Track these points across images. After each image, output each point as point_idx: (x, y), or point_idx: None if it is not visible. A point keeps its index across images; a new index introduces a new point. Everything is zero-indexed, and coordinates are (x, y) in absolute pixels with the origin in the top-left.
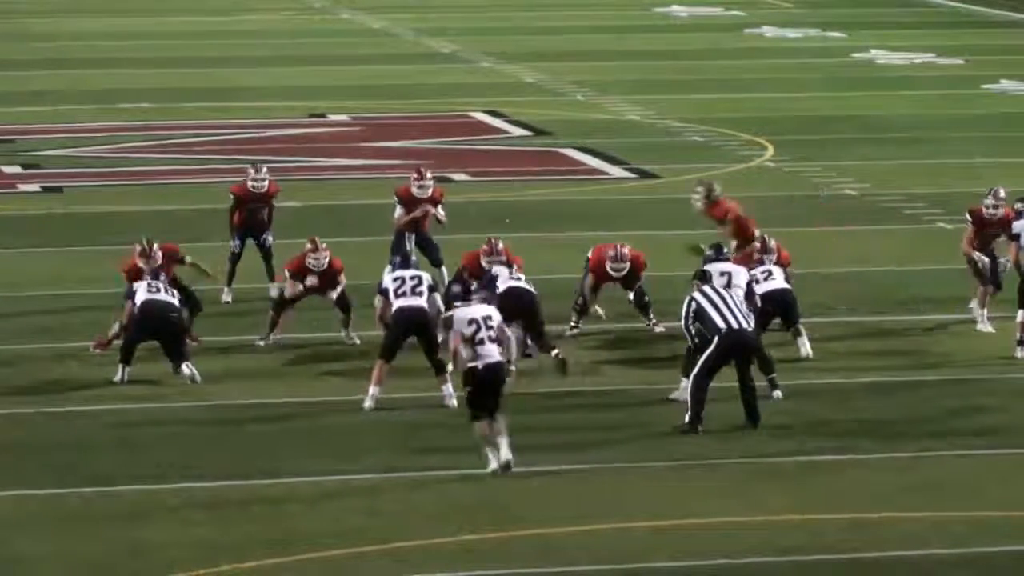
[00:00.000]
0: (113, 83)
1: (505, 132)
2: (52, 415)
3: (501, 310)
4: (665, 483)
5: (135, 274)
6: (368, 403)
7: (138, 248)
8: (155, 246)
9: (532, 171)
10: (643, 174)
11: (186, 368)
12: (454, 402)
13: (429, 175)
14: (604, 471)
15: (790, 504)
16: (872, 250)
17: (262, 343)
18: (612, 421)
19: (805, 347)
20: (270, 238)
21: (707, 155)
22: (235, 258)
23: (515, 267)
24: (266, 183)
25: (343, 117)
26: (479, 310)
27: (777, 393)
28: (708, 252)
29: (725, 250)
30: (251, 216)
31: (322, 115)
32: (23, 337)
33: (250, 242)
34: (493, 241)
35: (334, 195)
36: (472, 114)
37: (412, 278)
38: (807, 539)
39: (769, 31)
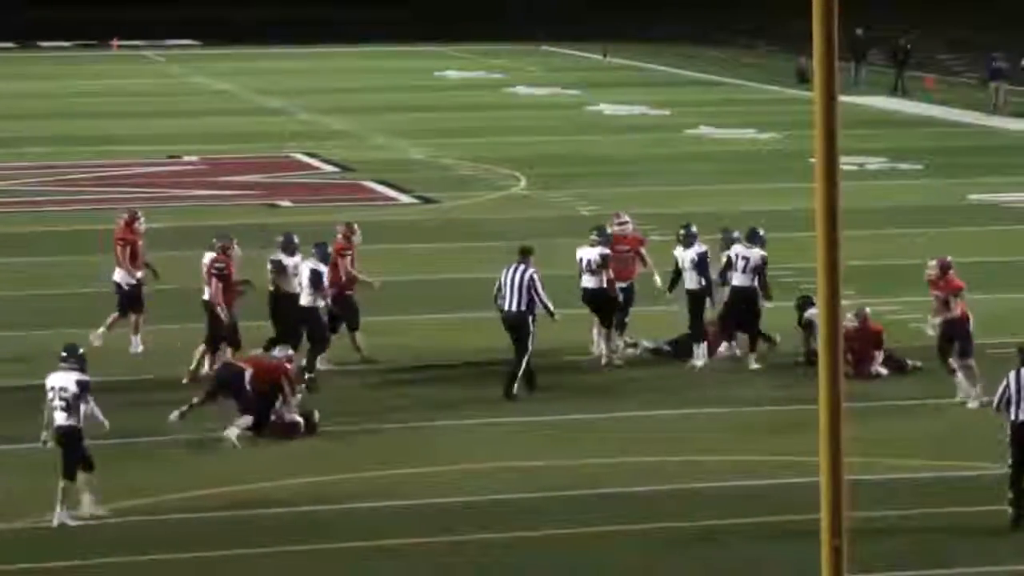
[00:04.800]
0: (22, 132)
1: (319, 168)
2: None
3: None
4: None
5: None
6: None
7: None
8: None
9: (343, 198)
10: (425, 200)
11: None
12: None
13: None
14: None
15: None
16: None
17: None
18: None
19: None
20: None
21: (474, 185)
22: None
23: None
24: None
25: (194, 158)
26: None
27: None
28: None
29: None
30: None
31: (178, 156)
32: None
33: None
34: (622, 214)
35: (184, 217)
36: (294, 155)
37: (55, 390)
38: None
39: (522, 89)
